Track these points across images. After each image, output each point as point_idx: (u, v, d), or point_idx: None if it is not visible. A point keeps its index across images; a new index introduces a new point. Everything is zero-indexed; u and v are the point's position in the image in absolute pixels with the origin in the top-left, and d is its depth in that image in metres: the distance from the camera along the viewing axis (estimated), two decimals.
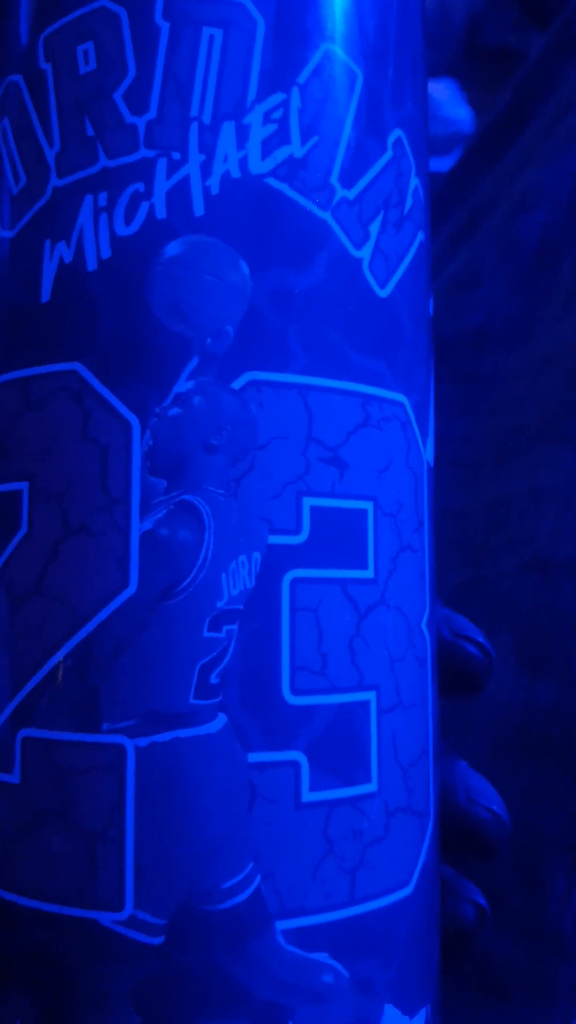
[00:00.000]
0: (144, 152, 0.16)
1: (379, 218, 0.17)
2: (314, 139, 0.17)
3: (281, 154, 0.16)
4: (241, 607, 0.15)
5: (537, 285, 0.37)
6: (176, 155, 0.16)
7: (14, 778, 0.16)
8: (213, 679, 0.15)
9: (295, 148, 0.16)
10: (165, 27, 0.16)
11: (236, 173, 0.16)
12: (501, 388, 0.37)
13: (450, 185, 0.45)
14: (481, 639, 0.21)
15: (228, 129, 0.16)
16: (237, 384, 0.16)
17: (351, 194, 0.17)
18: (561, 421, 0.34)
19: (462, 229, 0.42)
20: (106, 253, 0.16)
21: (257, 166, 0.16)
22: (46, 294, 0.16)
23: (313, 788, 0.16)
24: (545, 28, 0.46)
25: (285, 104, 0.16)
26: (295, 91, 0.16)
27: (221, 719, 0.15)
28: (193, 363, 0.16)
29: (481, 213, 0.41)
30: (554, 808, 0.28)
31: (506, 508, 0.34)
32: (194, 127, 0.16)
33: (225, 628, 0.15)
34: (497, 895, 0.23)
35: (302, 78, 0.16)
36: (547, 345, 0.36)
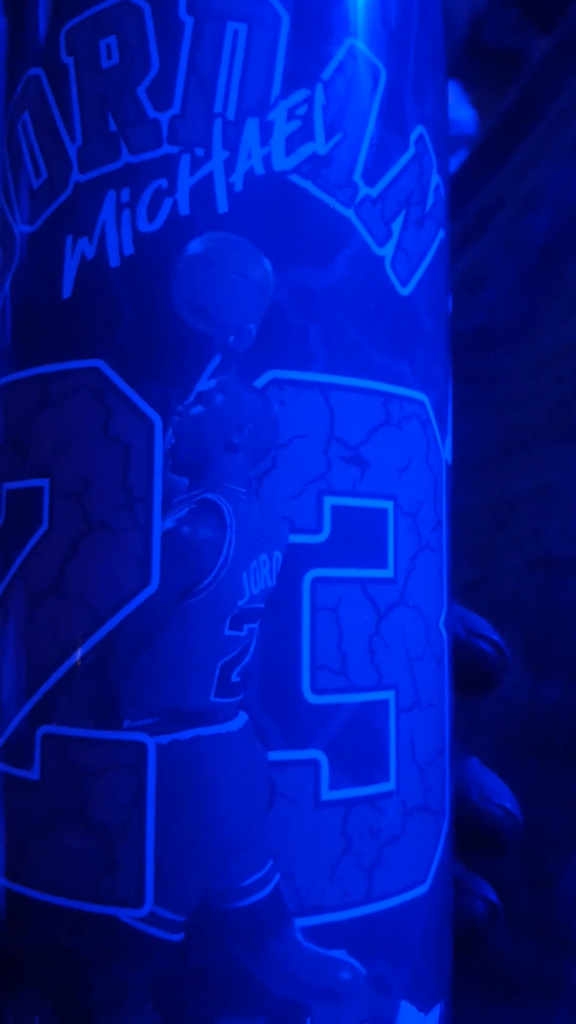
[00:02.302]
0: (167, 148, 0.16)
1: (401, 216, 0.17)
2: (338, 136, 0.16)
3: (305, 151, 0.16)
4: (262, 606, 0.15)
5: (542, 285, 0.37)
6: (200, 151, 0.16)
7: (33, 775, 0.16)
8: (234, 677, 0.15)
9: (319, 145, 0.16)
10: (189, 22, 0.16)
11: (260, 170, 0.16)
12: (506, 387, 0.37)
13: (456, 185, 0.44)
14: (495, 637, 0.21)
15: (252, 125, 0.16)
16: (259, 382, 0.16)
17: (374, 192, 0.17)
18: (566, 420, 0.34)
19: (468, 229, 0.42)
20: (129, 249, 0.16)
21: (281, 163, 0.16)
22: (67, 290, 0.16)
23: (332, 787, 0.16)
24: (547, 30, 0.46)
25: (309, 100, 0.16)
26: (319, 87, 0.16)
27: (242, 717, 0.15)
28: (215, 361, 0.16)
29: (487, 213, 0.41)
30: (558, 807, 0.28)
31: (511, 507, 0.34)
32: (218, 123, 0.16)
33: (246, 627, 0.15)
34: (503, 893, 0.23)
35: (326, 74, 0.16)
36: (552, 344, 0.36)
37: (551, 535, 0.32)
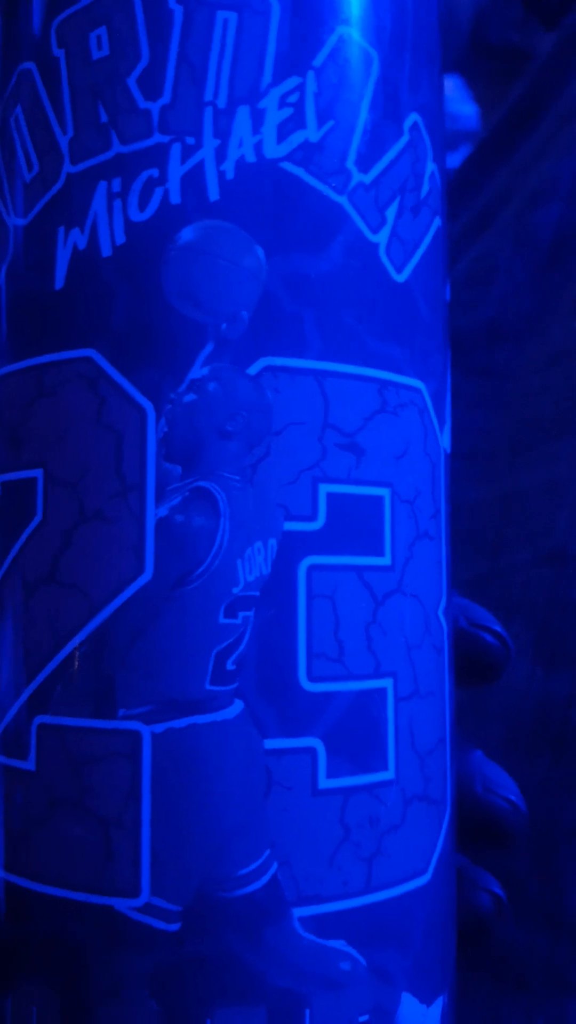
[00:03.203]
0: (158, 137, 0.16)
1: (396, 203, 0.17)
2: (330, 123, 0.16)
3: (297, 138, 0.16)
4: (257, 593, 0.15)
5: (551, 279, 0.37)
6: (190, 140, 0.16)
7: (29, 765, 0.16)
8: (229, 665, 0.15)
9: (311, 132, 0.16)
10: (179, 11, 0.16)
11: (251, 158, 0.16)
12: (515, 381, 0.37)
13: (462, 180, 0.45)
14: (498, 628, 0.21)
15: (243, 113, 0.16)
16: (252, 370, 0.16)
17: (367, 178, 0.17)
18: (575, 414, 0.34)
19: (475, 224, 0.42)
20: (120, 239, 0.16)
21: (272, 150, 0.16)
22: (60, 281, 0.16)
23: (330, 775, 0.15)
24: (550, 26, 0.46)
25: (301, 88, 0.16)
26: (311, 75, 0.16)
27: (237, 705, 0.15)
28: (208, 349, 0.16)
29: (494, 207, 0.41)
30: (570, 800, 0.27)
31: (522, 501, 0.34)
32: (208, 112, 0.16)
33: (241, 614, 0.15)
34: (514, 886, 0.23)
35: (318, 61, 0.16)
36: (560, 338, 0.36)
37: (561, 529, 0.32)
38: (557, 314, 0.36)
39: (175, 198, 0.16)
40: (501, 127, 0.44)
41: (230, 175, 0.16)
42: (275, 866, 0.15)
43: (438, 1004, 0.17)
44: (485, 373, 0.38)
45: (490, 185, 0.43)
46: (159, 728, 0.15)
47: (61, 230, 0.16)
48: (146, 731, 0.15)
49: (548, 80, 0.42)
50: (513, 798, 0.20)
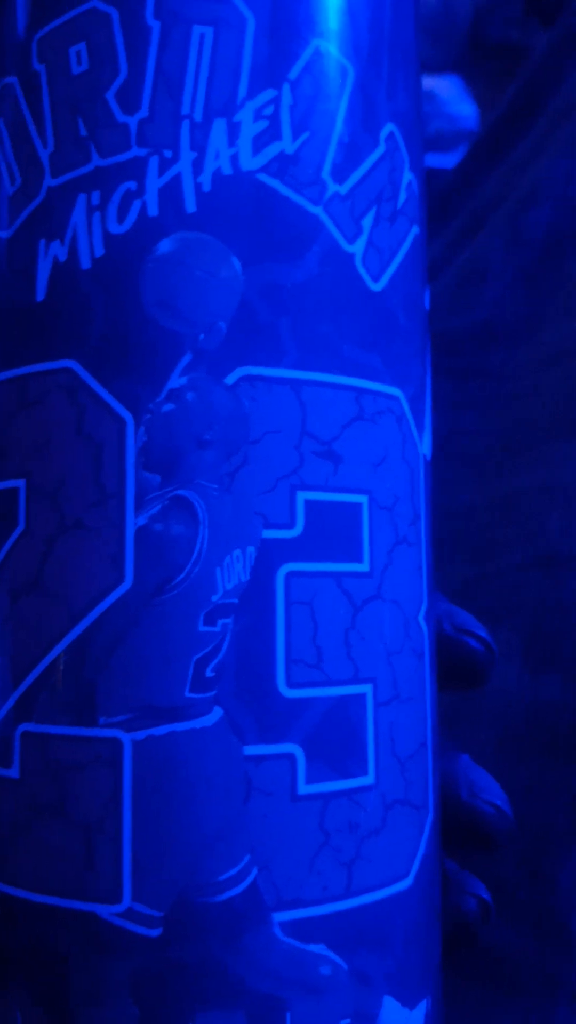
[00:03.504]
0: (136, 151, 0.16)
1: (372, 212, 0.17)
2: (305, 135, 0.17)
3: (272, 150, 0.16)
4: (236, 601, 0.15)
5: (544, 280, 0.37)
6: (168, 153, 0.16)
7: (13, 772, 0.16)
8: (208, 673, 0.15)
9: (286, 144, 0.16)
10: (156, 26, 0.16)
11: (228, 170, 0.16)
12: (508, 383, 0.37)
13: (457, 180, 0.45)
14: (483, 633, 0.21)
15: (219, 126, 0.16)
16: (230, 379, 0.16)
17: (343, 189, 0.17)
18: (569, 416, 0.34)
19: (469, 224, 0.42)
20: (99, 251, 0.16)
21: (248, 162, 0.16)
22: (41, 293, 0.17)
23: (309, 780, 0.16)
24: (549, 25, 0.46)
25: (276, 100, 0.16)
26: (286, 87, 0.16)
27: (217, 712, 0.15)
28: (186, 359, 0.16)
29: (488, 208, 0.41)
30: (561, 803, 0.27)
31: (514, 503, 0.34)
32: (185, 125, 0.16)
33: (220, 622, 0.15)
34: (504, 889, 0.23)
35: (293, 74, 0.17)
36: (554, 340, 0.36)
37: (553, 532, 0.32)
38: (550, 315, 0.37)
39: (153, 210, 0.16)
40: (495, 128, 0.44)
41: (207, 187, 0.16)
42: (255, 871, 0.15)
43: (422, 1008, 0.17)
44: (478, 375, 0.38)
45: (484, 186, 0.43)
46: (139, 735, 0.15)
47: (42, 243, 0.17)
48: (126, 738, 0.15)
49: (542, 79, 0.42)
50: (499, 803, 0.20)
